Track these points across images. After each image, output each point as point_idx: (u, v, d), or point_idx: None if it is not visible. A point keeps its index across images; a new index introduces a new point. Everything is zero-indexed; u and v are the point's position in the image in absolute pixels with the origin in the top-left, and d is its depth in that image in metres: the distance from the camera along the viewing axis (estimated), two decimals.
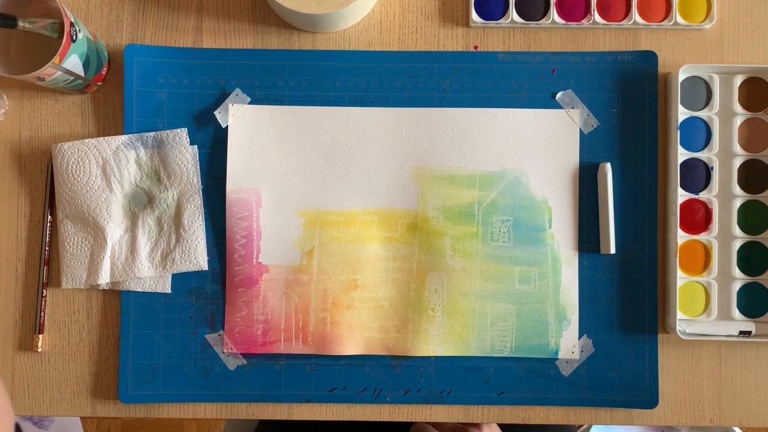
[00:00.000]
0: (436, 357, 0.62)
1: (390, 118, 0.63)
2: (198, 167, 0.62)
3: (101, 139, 0.61)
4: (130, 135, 0.62)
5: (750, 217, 0.62)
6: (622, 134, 0.63)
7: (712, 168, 0.62)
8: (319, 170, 0.63)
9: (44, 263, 0.62)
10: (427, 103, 0.63)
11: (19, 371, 0.63)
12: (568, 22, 0.63)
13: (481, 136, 0.63)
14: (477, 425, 0.64)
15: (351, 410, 0.63)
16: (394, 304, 0.62)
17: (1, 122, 0.63)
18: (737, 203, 0.62)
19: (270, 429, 0.80)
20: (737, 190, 0.62)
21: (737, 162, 0.62)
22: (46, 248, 0.62)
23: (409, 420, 0.63)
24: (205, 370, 0.62)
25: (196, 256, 0.62)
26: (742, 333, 0.62)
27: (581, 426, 1.22)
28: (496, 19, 0.63)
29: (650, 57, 0.63)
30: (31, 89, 0.63)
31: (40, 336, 0.62)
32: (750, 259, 0.62)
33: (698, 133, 0.63)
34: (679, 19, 0.63)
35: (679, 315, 0.62)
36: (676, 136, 0.61)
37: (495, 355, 0.62)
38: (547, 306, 0.62)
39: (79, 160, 0.61)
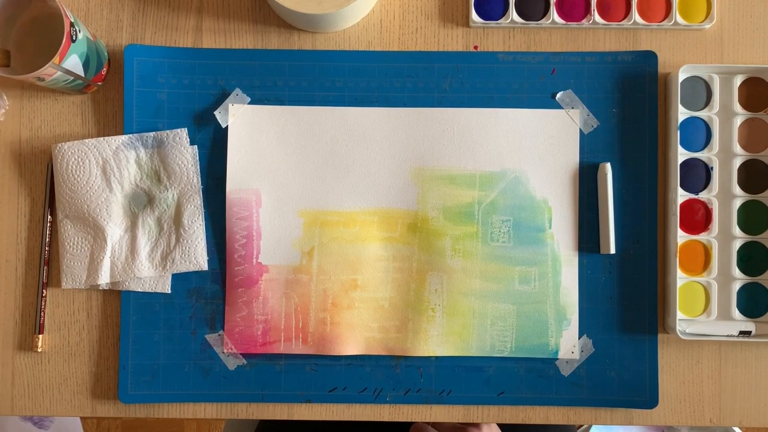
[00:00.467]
0: (436, 357, 0.62)
1: (390, 118, 0.63)
2: (198, 167, 0.62)
3: (101, 139, 0.61)
4: (130, 135, 0.62)
5: (750, 217, 0.62)
6: (622, 134, 0.63)
7: (712, 168, 0.62)
8: (319, 170, 0.63)
9: (44, 263, 0.62)
10: (427, 103, 0.63)
11: (19, 371, 0.63)
12: (568, 22, 0.63)
13: (481, 136, 0.63)
14: (477, 425, 0.64)
15: (351, 410, 0.63)
16: (394, 304, 0.62)
17: (1, 122, 0.63)
18: (737, 203, 0.62)
19: (270, 429, 0.80)
20: (737, 190, 0.62)
21: (737, 162, 0.62)
22: (46, 248, 0.62)
23: (409, 420, 0.63)
24: (205, 370, 0.62)
25: (196, 256, 0.62)
26: (742, 333, 0.62)
27: (581, 426, 1.22)
28: (496, 19, 0.63)
29: (650, 57, 0.63)
30: (31, 89, 0.63)
31: (40, 336, 0.62)
32: (750, 259, 0.62)
33: (698, 133, 0.63)
34: (679, 19, 0.63)
35: (679, 315, 0.62)
36: (676, 136, 0.61)
37: (495, 355, 0.62)
38: (547, 306, 0.62)
39: (79, 160, 0.61)
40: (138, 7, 0.64)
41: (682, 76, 0.62)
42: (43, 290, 0.62)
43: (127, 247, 0.62)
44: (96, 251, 0.61)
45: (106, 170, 0.61)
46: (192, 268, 0.62)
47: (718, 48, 0.64)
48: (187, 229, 0.62)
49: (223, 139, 0.63)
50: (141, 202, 0.62)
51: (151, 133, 0.62)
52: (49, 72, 0.54)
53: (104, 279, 0.61)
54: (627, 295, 0.62)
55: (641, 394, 0.62)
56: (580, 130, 0.63)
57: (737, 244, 0.62)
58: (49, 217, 0.62)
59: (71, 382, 0.63)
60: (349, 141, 0.63)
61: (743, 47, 0.64)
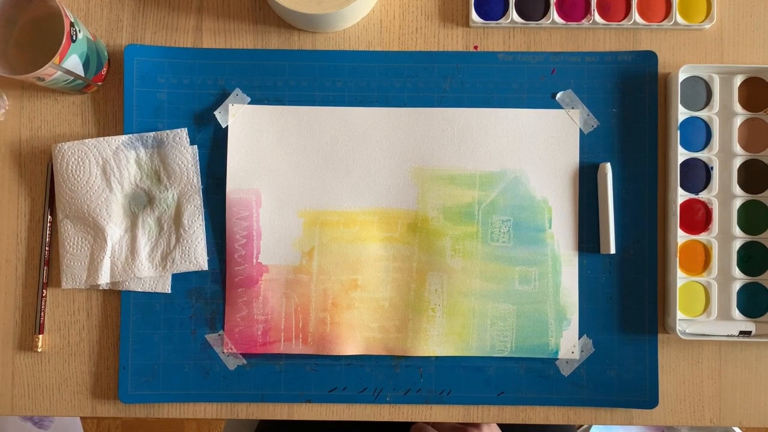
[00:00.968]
0: (436, 357, 0.62)
1: (390, 118, 0.63)
2: (198, 167, 0.62)
3: (101, 139, 0.61)
4: (130, 135, 0.62)
5: (750, 217, 0.62)
6: (622, 134, 0.63)
7: (712, 168, 0.62)
8: (319, 170, 0.63)
9: (44, 263, 0.62)
10: (427, 103, 0.63)
11: (19, 371, 0.63)
12: (568, 22, 0.63)
13: (481, 136, 0.63)
14: (477, 425, 0.64)
15: (351, 410, 0.63)
16: (394, 304, 0.62)
17: (1, 122, 0.63)
18: (737, 203, 0.62)
19: (270, 429, 0.80)
20: (737, 190, 0.62)
21: (737, 162, 0.62)
22: (46, 248, 0.62)
23: (409, 420, 0.63)
24: (205, 370, 0.62)
25: (196, 256, 0.62)
26: (742, 333, 0.62)
27: (581, 426, 1.22)
28: (496, 19, 0.63)
29: (650, 57, 0.63)
30: (31, 89, 0.63)
31: (40, 336, 0.62)
32: (750, 259, 0.62)
33: (698, 133, 0.63)
34: (679, 19, 0.63)
35: (679, 315, 0.62)
36: (676, 136, 0.61)
37: (495, 355, 0.62)
38: (547, 306, 0.62)
39: (79, 160, 0.61)
40: (138, 7, 0.64)
41: (682, 76, 0.62)
42: (43, 290, 0.62)
43: (127, 247, 0.62)
44: (96, 251, 0.61)
45: (106, 170, 0.61)
46: (192, 268, 0.62)
47: (718, 48, 0.64)
48: (187, 229, 0.62)
49: (223, 139, 0.63)
50: (141, 202, 0.62)
51: (151, 133, 0.62)
52: (49, 72, 0.54)
53: (104, 279, 0.61)
54: (627, 295, 0.62)
55: (641, 394, 0.62)
56: (580, 130, 0.63)
57: (737, 244, 0.62)
58: (49, 217, 0.62)
59: (71, 382, 0.63)
60: (349, 141, 0.63)
61: (743, 47, 0.64)
